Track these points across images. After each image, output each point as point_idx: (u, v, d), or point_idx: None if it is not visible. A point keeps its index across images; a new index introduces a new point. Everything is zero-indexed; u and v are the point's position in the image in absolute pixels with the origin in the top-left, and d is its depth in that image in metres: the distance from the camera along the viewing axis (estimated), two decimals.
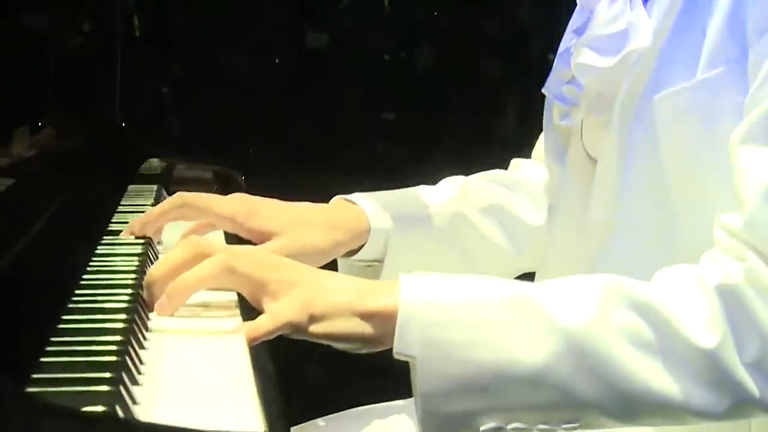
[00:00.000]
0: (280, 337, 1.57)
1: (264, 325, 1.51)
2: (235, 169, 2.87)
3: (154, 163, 2.92)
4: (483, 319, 1.44)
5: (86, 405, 1.16)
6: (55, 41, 2.27)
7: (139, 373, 1.37)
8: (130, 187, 2.64)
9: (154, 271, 1.61)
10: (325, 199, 2.02)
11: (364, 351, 1.54)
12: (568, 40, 1.83)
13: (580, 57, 1.72)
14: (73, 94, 2.44)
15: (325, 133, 5.62)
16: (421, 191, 2.06)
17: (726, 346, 1.39)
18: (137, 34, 4.12)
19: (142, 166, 2.90)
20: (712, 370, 1.40)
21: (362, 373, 2.82)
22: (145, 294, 1.61)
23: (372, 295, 1.51)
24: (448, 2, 5.85)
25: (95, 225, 2.14)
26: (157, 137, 3.06)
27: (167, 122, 4.62)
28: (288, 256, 1.74)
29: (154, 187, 2.70)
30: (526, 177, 2.08)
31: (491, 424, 1.42)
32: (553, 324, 1.42)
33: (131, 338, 1.45)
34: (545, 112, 1.91)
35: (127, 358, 1.36)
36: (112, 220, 2.25)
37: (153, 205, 2.47)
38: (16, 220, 1.79)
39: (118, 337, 1.44)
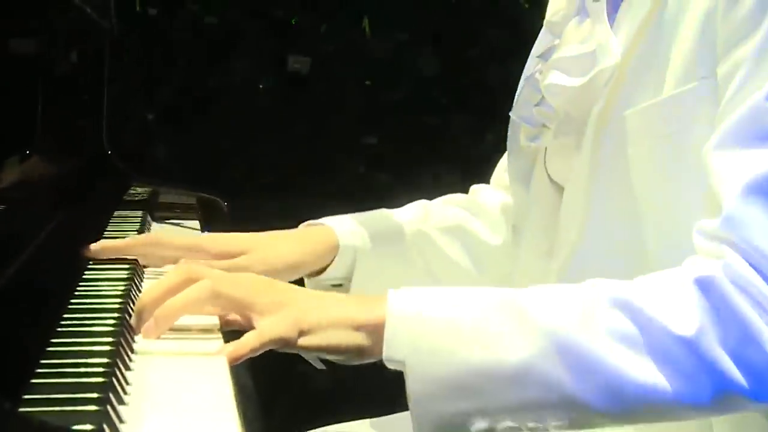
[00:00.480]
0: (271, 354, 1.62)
1: (251, 340, 1.54)
2: (218, 195, 2.89)
3: (139, 189, 2.92)
4: (468, 322, 1.48)
5: (75, 424, 1.19)
6: (43, 69, 2.28)
7: (125, 393, 1.39)
8: (116, 213, 2.64)
9: (144, 296, 1.63)
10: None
11: (354, 362, 1.58)
12: (533, 65, 1.87)
13: (550, 78, 1.74)
14: (61, 122, 2.45)
15: (308, 156, 5.64)
16: (386, 213, 2.09)
17: (705, 335, 1.42)
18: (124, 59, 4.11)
19: (128, 192, 2.90)
20: (692, 358, 1.42)
21: (363, 386, 2.83)
22: (134, 318, 1.63)
23: (361, 307, 1.56)
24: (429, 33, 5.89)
25: (82, 250, 2.13)
26: (141, 164, 3.03)
27: (152, 148, 4.62)
28: (256, 271, 1.79)
29: (140, 213, 2.70)
30: (485, 201, 2.10)
31: (482, 425, 1.45)
32: (536, 323, 1.46)
33: (117, 360, 1.47)
34: (510, 136, 1.93)
35: (114, 380, 1.39)
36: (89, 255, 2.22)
37: (138, 230, 2.49)
38: (5, 246, 1.81)
39: (105, 359, 1.46)
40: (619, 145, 1.64)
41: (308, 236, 1.98)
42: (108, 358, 1.48)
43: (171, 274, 1.64)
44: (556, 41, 1.80)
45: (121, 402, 1.35)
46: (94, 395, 1.30)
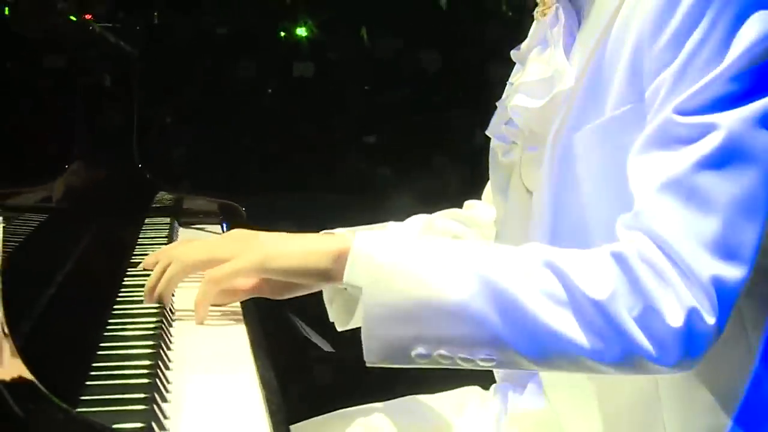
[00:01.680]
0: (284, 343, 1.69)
1: (224, 269, 1.70)
2: (234, 196, 2.95)
3: (165, 196, 2.97)
4: (420, 261, 1.55)
5: (127, 422, 1.26)
6: (80, 93, 2.31)
7: (167, 391, 1.45)
8: (147, 221, 2.70)
9: (145, 290, 1.78)
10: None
11: (314, 288, 1.75)
12: (507, 89, 1.92)
13: (515, 100, 1.79)
14: (97, 140, 2.48)
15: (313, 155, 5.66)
16: (392, 225, 2.11)
17: (615, 300, 1.47)
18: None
19: (155, 199, 2.94)
20: (603, 319, 1.47)
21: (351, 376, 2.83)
22: (145, 300, 1.79)
23: (326, 238, 1.70)
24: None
25: (119, 258, 2.20)
26: (165, 172, 3.03)
27: (170, 154, 4.62)
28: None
29: (167, 219, 2.76)
30: (478, 215, 2.14)
31: (421, 350, 1.51)
32: (478, 270, 1.52)
33: (159, 362, 1.54)
34: (490, 153, 1.96)
35: (157, 380, 1.45)
36: (134, 253, 2.32)
37: (167, 236, 2.57)
38: (52, 255, 1.85)
39: (148, 361, 1.53)
40: (571, 161, 1.69)
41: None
42: (151, 360, 1.54)
43: (154, 268, 1.79)
44: (522, 69, 1.86)
45: (164, 400, 1.41)
46: (142, 395, 1.37)
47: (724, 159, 1.49)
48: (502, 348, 1.51)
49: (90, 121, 2.43)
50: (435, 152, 5.85)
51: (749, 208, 1.50)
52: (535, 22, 1.85)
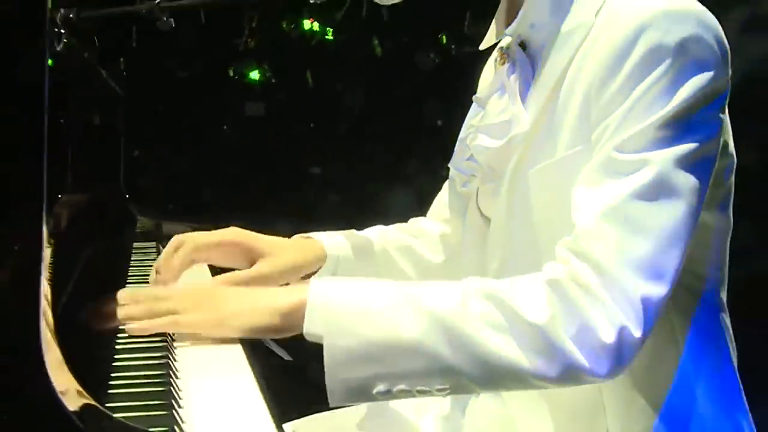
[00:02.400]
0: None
1: (164, 321, 1.69)
2: (210, 224, 2.90)
3: (146, 221, 2.93)
4: (373, 306, 1.55)
5: (151, 427, 1.26)
6: (73, 132, 2.29)
7: (180, 398, 1.45)
8: (135, 245, 2.67)
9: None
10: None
11: (272, 336, 1.70)
12: (465, 131, 1.93)
13: (477, 140, 1.80)
14: (88, 174, 2.46)
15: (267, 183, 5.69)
16: (356, 232, 2.13)
17: (553, 323, 1.49)
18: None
19: (137, 225, 2.91)
20: (543, 340, 1.50)
21: None
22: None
23: (280, 294, 1.66)
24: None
25: (117, 280, 2.19)
26: (142, 201, 3.02)
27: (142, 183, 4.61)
28: (275, 271, 1.96)
29: (153, 243, 2.74)
30: (426, 228, 2.15)
31: (382, 388, 1.52)
32: (427, 309, 1.53)
33: (170, 372, 1.53)
34: (449, 182, 1.99)
35: (171, 388, 1.45)
36: (129, 274, 2.31)
37: (155, 259, 2.53)
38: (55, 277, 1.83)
39: (162, 371, 1.53)
40: (526, 194, 1.71)
41: (305, 246, 2.03)
42: (163, 370, 1.54)
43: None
44: (482, 110, 1.86)
45: (179, 406, 1.41)
46: (162, 401, 1.38)
47: (654, 192, 1.53)
48: (455, 377, 1.53)
49: (82, 154, 2.41)
50: (371, 179, 5.91)
51: (674, 236, 1.53)
52: (495, 70, 1.87)
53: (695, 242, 1.61)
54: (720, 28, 1.61)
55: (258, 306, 1.64)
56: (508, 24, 1.80)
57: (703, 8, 1.60)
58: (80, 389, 1.22)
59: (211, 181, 5.81)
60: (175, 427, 1.28)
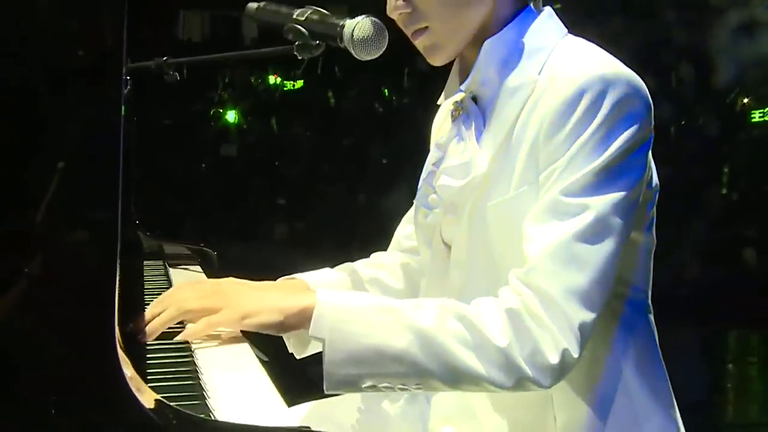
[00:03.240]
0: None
1: (201, 327, 1.67)
2: (203, 243, 2.90)
3: (152, 242, 2.88)
4: (368, 318, 1.57)
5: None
6: None
7: (207, 390, 1.47)
8: (145, 263, 2.66)
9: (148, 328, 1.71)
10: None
11: (281, 333, 1.69)
12: (427, 168, 1.91)
13: (441, 180, 1.79)
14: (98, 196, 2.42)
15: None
16: (331, 270, 2.09)
17: (511, 347, 1.53)
18: None
19: (145, 246, 2.87)
20: (502, 359, 1.53)
21: None
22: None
23: (290, 297, 1.67)
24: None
25: (137, 292, 2.18)
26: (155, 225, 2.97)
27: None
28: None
29: (160, 262, 2.72)
30: (387, 261, 2.12)
31: (368, 383, 1.55)
32: (410, 324, 1.55)
33: (196, 369, 1.55)
34: (415, 215, 1.96)
35: (199, 382, 1.47)
36: (145, 288, 2.31)
37: (164, 274, 2.56)
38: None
39: (189, 368, 1.55)
40: (484, 226, 1.72)
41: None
42: (191, 366, 1.56)
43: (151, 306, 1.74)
44: (443, 155, 1.85)
45: (208, 396, 1.43)
46: (196, 393, 1.39)
47: (592, 233, 1.56)
48: (429, 380, 1.56)
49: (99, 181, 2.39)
50: (326, 209, 5.95)
51: (607, 269, 1.57)
52: (452, 120, 1.86)
53: (626, 257, 1.65)
54: (644, 86, 1.64)
55: (270, 307, 1.65)
56: (461, 82, 1.80)
57: (630, 71, 1.64)
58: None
59: (199, 207, 5.85)
60: (210, 415, 1.30)
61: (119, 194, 1.19)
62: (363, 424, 1.98)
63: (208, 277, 2.56)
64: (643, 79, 1.66)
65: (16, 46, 1.18)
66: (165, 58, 2.43)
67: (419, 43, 1.74)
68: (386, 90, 7.68)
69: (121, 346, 1.20)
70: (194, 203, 6.09)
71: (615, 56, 1.68)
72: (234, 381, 1.57)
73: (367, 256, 2.16)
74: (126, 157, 2.67)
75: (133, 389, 1.17)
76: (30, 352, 1.19)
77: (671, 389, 1.80)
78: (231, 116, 7.04)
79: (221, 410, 1.40)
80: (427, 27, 1.72)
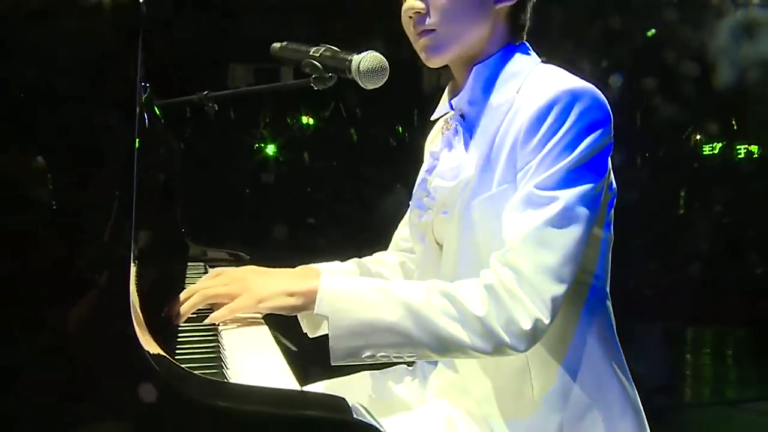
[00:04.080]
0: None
1: (224, 312, 1.64)
2: (241, 251, 2.85)
3: (195, 248, 2.81)
4: (365, 296, 1.55)
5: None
6: (145, 184, 2.24)
7: (227, 366, 1.43)
8: (189, 264, 2.62)
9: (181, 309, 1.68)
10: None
11: (292, 313, 1.66)
12: (421, 175, 1.89)
13: (434, 182, 1.79)
14: (156, 211, 2.40)
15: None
16: (342, 263, 2.06)
17: (489, 316, 1.52)
18: None
19: (190, 251, 2.81)
20: (482, 328, 1.52)
21: None
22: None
23: (300, 281, 1.63)
24: None
25: (177, 288, 2.09)
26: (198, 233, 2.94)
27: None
28: None
29: (201, 264, 2.68)
30: (387, 259, 2.09)
31: (368, 353, 1.53)
32: (402, 300, 1.53)
33: (220, 345, 1.52)
34: (410, 215, 1.93)
35: (221, 356, 1.43)
36: (185, 284, 2.26)
37: (203, 274, 2.49)
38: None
39: (214, 344, 1.52)
40: (470, 221, 1.69)
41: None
42: (215, 342, 1.53)
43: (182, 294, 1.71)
44: (436, 161, 1.83)
45: (227, 367, 1.40)
46: (215, 364, 1.35)
47: (561, 220, 1.55)
48: (420, 349, 1.54)
49: (152, 197, 2.36)
50: (350, 225, 6.01)
51: (573, 251, 1.56)
52: (442, 134, 1.85)
53: (589, 250, 1.64)
54: (606, 101, 1.64)
55: (283, 290, 1.62)
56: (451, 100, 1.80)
57: (594, 88, 1.63)
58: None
59: (240, 223, 5.93)
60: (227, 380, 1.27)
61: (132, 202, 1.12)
62: (373, 400, 1.93)
63: None
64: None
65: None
66: (206, 93, 2.39)
67: (422, 42, 1.73)
68: (400, 128, 7.75)
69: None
70: (236, 219, 6.15)
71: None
72: (251, 357, 1.53)
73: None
74: (174, 177, 2.72)
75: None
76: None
77: (623, 358, 1.78)
78: (270, 149, 7.20)
79: (236, 377, 1.37)
80: (434, 30, 1.71)
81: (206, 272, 2.55)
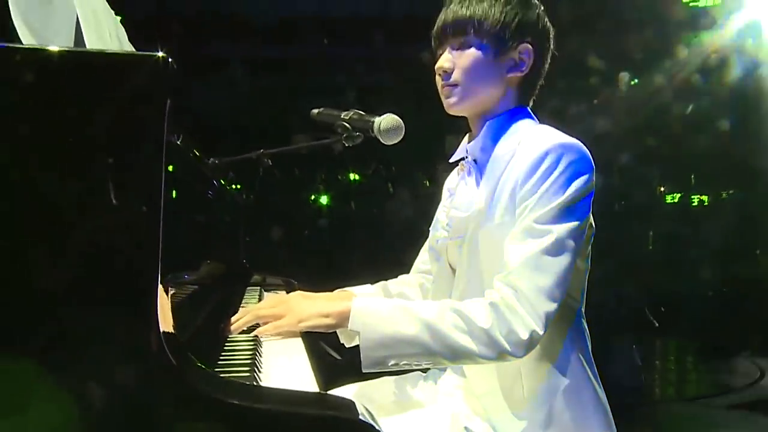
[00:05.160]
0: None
1: (269, 328, 1.58)
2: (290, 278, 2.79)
3: (256, 276, 2.75)
4: (389, 314, 1.47)
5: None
6: (212, 229, 2.20)
7: (260, 370, 1.34)
8: (248, 289, 2.56)
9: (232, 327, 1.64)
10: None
11: (327, 331, 1.58)
12: (440, 207, 1.83)
13: (451, 212, 1.73)
14: (223, 250, 2.34)
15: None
16: (371, 286, 1.98)
17: (493, 328, 1.44)
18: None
19: (251, 277, 2.76)
20: (487, 338, 1.44)
21: None
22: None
23: (334, 304, 1.56)
24: None
25: (234, 307, 2.07)
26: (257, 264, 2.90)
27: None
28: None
29: (258, 288, 2.61)
30: (408, 280, 1.99)
31: (392, 362, 1.45)
32: (420, 317, 1.46)
33: (257, 352, 1.43)
34: (429, 239, 1.87)
35: (255, 362, 1.34)
36: (240, 304, 2.19)
37: (258, 297, 2.42)
38: (200, 305, 1.71)
39: (251, 353, 1.43)
40: (477, 247, 1.63)
41: (343, 295, 1.87)
42: (251, 352, 1.44)
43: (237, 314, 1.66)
44: (453, 195, 1.78)
45: (260, 371, 1.30)
46: (249, 369, 1.24)
47: (554, 250, 1.49)
48: (435, 357, 1.47)
49: (220, 236, 2.31)
50: (386, 261, 5.95)
51: (563, 276, 1.49)
52: (459, 173, 1.80)
53: (573, 279, 1.57)
54: (590, 154, 1.58)
55: (320, 312, 1.56)
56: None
57: (580, 143, 1.58)
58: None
59: (296, 257, 5.93)
60: (257, 380, 1.19)
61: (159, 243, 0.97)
62: (393, 399, 1.84)
63: None
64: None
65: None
66: (261, 150, 2.32)
67: (446, 92, 1.70)
68: (427, 181, 7.76)
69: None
70: (294, 255, 6.13)
71: None
72: (282, 363, 1.45)
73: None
74: (239, 221, 2.67)
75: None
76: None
77: (595, 366, 1.70)
78: (324, 199, 7.28)
79: (266, 379, 1.28)
80: (457, 85, 1.67)
81: (261, 295, 2.50)
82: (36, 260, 0.92)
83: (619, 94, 8.98)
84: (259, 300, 2.37)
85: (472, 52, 1.66)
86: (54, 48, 0.94)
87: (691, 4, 9.81)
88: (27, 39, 1.11)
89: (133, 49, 1.91)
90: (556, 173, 1.52)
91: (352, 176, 7.74)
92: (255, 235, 2.97)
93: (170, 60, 0.90)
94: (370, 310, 1.50)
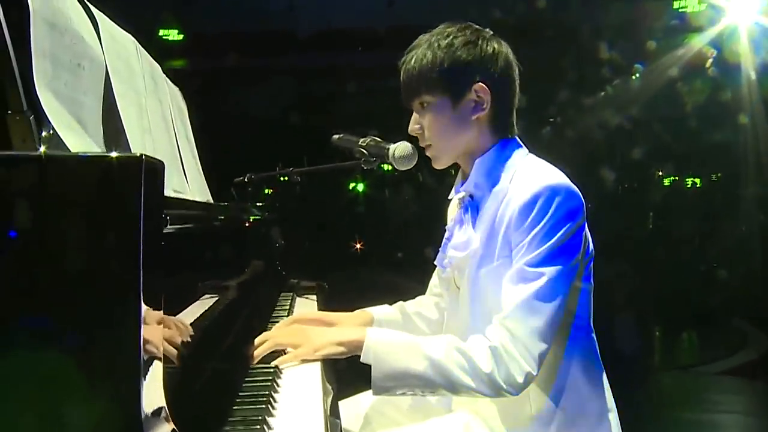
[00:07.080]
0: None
1: (289, 358, 1.50)
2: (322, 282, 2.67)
3: (291, 281, 2.63)
4: (399, 350, 1.42)
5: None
6: (252, 240, 2.10)
7: (275, 401, 1.26)
8: (282, 294, 2.45)
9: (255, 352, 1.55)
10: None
11: (341, 357, 1.50)
12: (444, 243, 1.73)
13: (450, 253, 1.64)
14: (260, 263, 2.24)
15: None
16: (388, 307, 1.89)
17: (492, 372, 1.39)
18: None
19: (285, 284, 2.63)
20: (487, 379, 1.39)
21: None
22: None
23: (348, 333, 1.50)
24: None
25: (267, 315, 1.98)
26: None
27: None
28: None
29: (290, 293, 2.50)
30: (425, 301, 1.90)
31: (400, 391, 1.41)
32: (427, 355, 1.41)
33: (275, 378, 1.35)
34: (438, 272, 1.80)
35: (271, 399, 1.25)
36: (273, 314, 2.09)
37: (290, 301, 2.31)
38: (236, 317, 1.61)
39: (269, 377, 1.36)
40: (478, 284, 1.55)
41: (361, 315, 1.81)
42: (270, 377, 1.36)
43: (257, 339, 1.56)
44: (451, 235, 1.69)
45: (274, 407, 1.21)
46: (262, 407, 1.16)
47: (547, 292, 1.41)
48: (438, 390, 1.43)
49: (257, 252, 2.20)
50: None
51: (556, 315, 1.42)
52: (456, 211, 1.69)
53: (571, 298, 1.49)
54: (578, 191, 1.49)
55: (334, 341, 1.49)
56: (463, 183, 1.65)
57: (569, 181, 1.49)
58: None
59: (323, 261, 5.87)
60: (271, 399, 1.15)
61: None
62: (411, 407, 1.77)
63: (320, 302, 2.40)
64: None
65: None
66: (291, 168, 2.31)
67: (427, 152, 1.61)
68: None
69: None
70: (323, 260, 6.06)
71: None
72: (297, 387, 1.37)
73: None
74: (273, 234, 2.57)
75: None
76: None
77: (607, 381, 1.59)
78: (359, 202, 7.28)
79: (281, 401, 1.24)
80: (430, 144, 1.58)
81: (293, 299, 2.42)
82: None
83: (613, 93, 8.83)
84: (291, 304, 2.32)
85: (432, 110, 1.55)
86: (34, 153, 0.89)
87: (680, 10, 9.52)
88: (49, 105, 1.03)
89: (168, 81, 1.83)
90: (547, 216, 1.44)
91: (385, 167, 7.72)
92: (288, 242, 2.87)
93: (144, 159, 0.84)
94: (382, 343, 1.46)
